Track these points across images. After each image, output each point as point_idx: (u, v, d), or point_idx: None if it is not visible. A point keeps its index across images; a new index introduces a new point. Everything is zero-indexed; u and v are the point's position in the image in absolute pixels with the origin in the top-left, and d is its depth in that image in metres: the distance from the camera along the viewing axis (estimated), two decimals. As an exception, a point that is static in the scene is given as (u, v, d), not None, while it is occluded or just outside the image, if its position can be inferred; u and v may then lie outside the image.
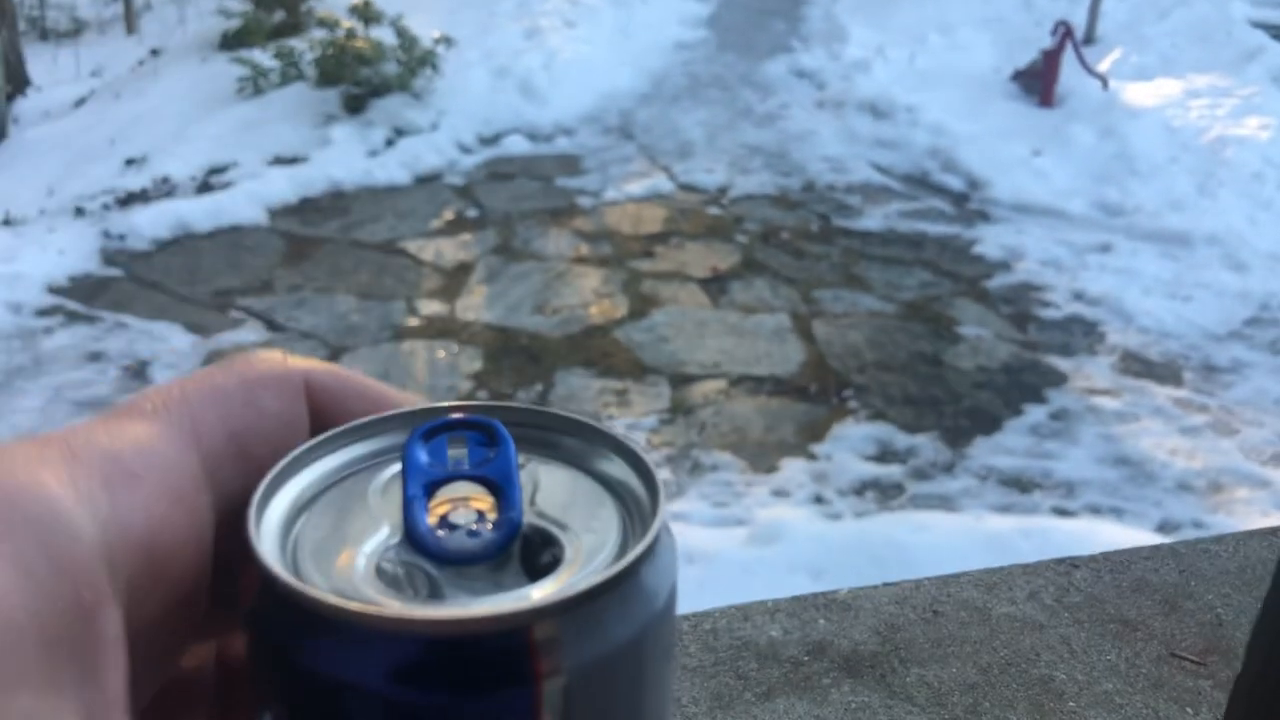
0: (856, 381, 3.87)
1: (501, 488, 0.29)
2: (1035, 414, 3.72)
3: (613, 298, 4.44)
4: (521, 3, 7.93)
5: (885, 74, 7.45)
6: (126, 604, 0.25)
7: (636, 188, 5.66)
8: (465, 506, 0.29)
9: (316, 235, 5.02)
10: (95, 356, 3.94)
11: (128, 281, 4.54)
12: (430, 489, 0.29)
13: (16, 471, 0.24)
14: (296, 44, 6.72)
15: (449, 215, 5.27)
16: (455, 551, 0.28)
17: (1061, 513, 3.18)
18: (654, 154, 6.20)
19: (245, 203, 5.18)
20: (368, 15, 6.50)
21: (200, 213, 5.06)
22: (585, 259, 4.81)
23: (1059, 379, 3.97)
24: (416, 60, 6.43)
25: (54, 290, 4.41)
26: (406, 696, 0.25)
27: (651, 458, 0.32)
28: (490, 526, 0.28)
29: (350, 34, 6.38)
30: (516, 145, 6.24)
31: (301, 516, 0.30)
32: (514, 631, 0.26)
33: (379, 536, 0.29)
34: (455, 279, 4.61)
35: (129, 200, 5.37)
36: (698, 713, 0.89)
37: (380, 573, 0.28)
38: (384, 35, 6.48)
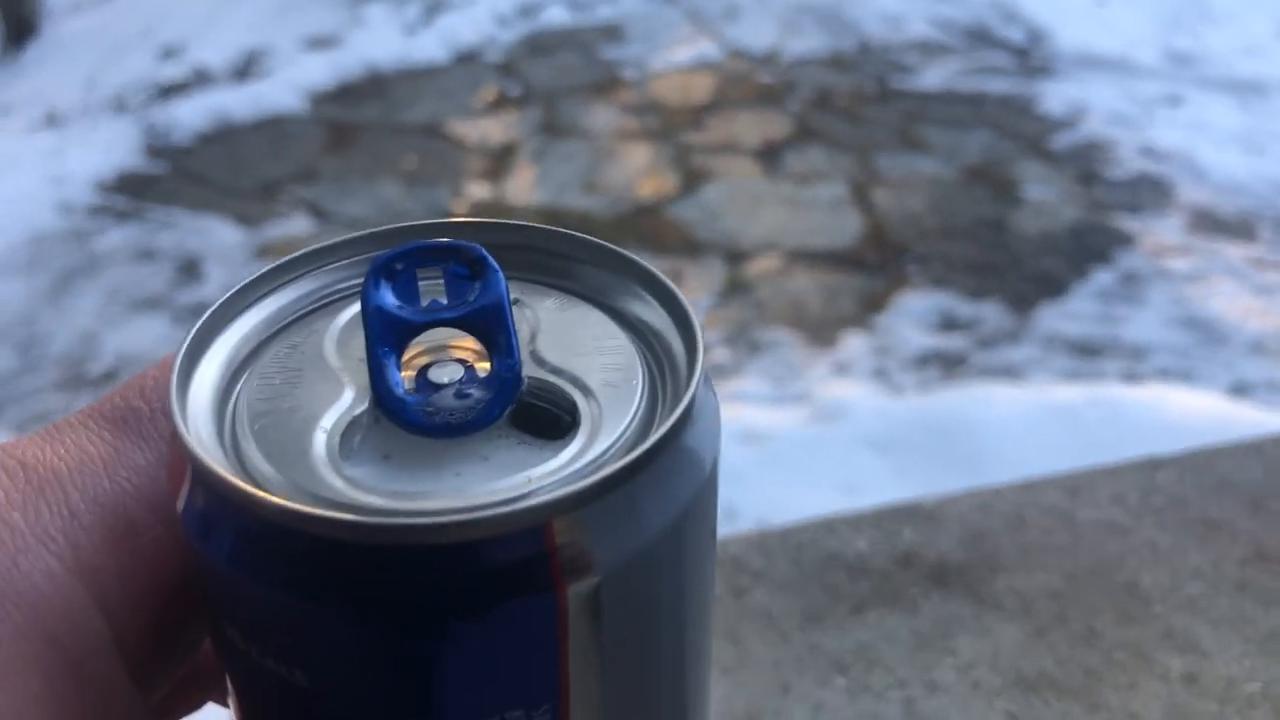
0: (917, 250, 3.79)
1: (492, 332, 0.22)
2: (1102, 277, 3.62)
3: (662, 173, 4.36)
4: None
5: (939, -79, 7.11)
6: (130, 646, 0.23)
7: (683, 55, 5.50)
8: (447, 359, 0.23)
9: (358, 121, 4.95)
10: (149, 254, 3.96)
11: (174, 176, 4.53)
12: (401, 340, 0.22)
13: (19, 561, 0.22)
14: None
15: (490, 94, 5.17)
16: (440, 421, 0.21)
17: (1130, 377, 3.12)
18: (700, 18, 6.00)
19: (284, 90, 5.12)
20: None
21: (241, 103, 5.02)
22: (632, 134, 4.70)
23: (1126, 240, 3.85)
24: (450, -69, 6.23)
25: (102, 188, 4.41)
26: (391, 625, 0.20)
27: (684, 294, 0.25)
28: (481, 384, 0.22)
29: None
30: (556, 15, 6.07)
31: (241, 379, 0.23)
32: (527, 533, 0.20)
33: (342, 403, 0.22)
34: (501, 160, 4.54)
35: (169, 92, 5.32)
36: (791, 628, 0.90)
37: (346, 452, 0.21)
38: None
